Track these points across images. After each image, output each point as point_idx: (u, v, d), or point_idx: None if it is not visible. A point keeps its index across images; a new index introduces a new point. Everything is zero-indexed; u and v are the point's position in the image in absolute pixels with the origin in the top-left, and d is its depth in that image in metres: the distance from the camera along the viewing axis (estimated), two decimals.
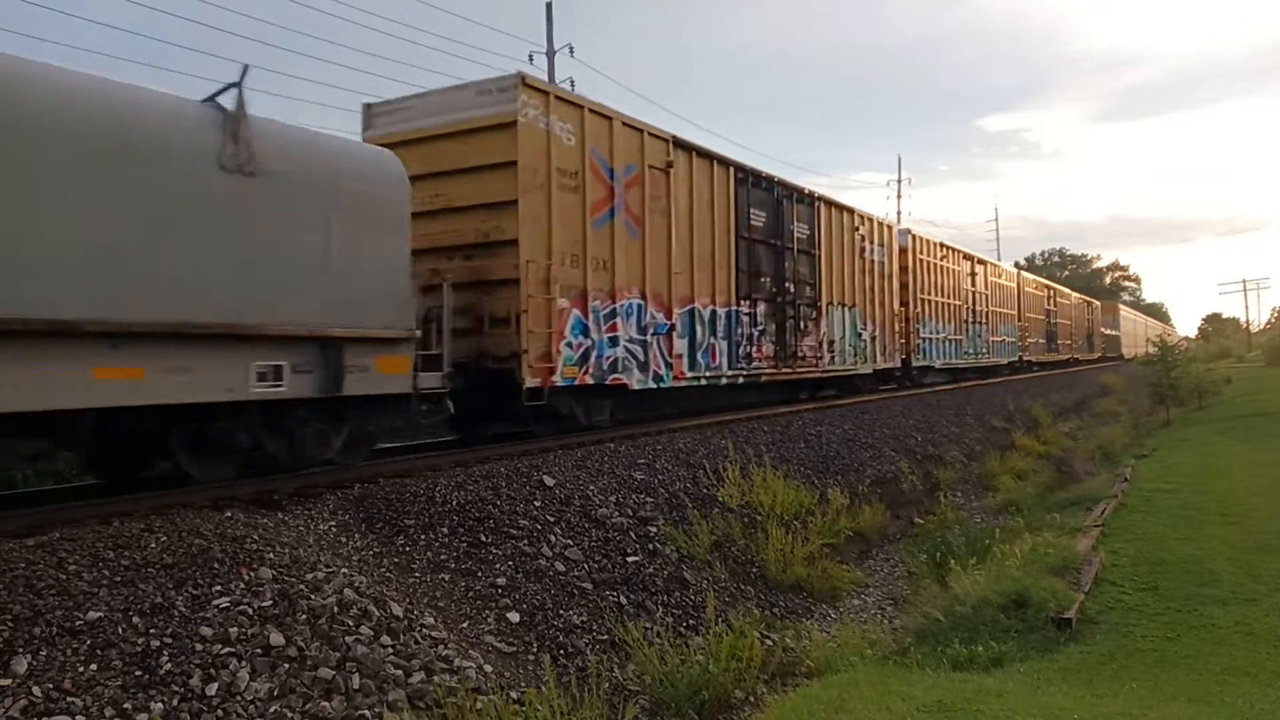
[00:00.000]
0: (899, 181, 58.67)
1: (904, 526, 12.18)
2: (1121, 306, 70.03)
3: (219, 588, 5.00)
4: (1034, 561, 8.53)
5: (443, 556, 6.62)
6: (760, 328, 14.55)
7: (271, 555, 5.48)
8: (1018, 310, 33.20)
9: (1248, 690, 5.76)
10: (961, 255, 26.75)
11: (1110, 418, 27.63)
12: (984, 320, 28.47)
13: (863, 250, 18.86)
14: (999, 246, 75.18)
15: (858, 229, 18.65)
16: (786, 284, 15.53)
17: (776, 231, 15.26)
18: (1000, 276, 31.20)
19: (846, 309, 18.12)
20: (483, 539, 6.95)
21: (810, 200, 16.79)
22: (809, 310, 16.45)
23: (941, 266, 24.38)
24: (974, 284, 27.65)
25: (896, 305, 20.76)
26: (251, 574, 5.20)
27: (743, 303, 14.04)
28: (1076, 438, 22.40)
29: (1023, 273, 35.40)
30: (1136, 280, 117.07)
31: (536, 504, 7.78)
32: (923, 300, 22.67)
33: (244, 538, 5.63)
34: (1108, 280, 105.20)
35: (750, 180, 14.59)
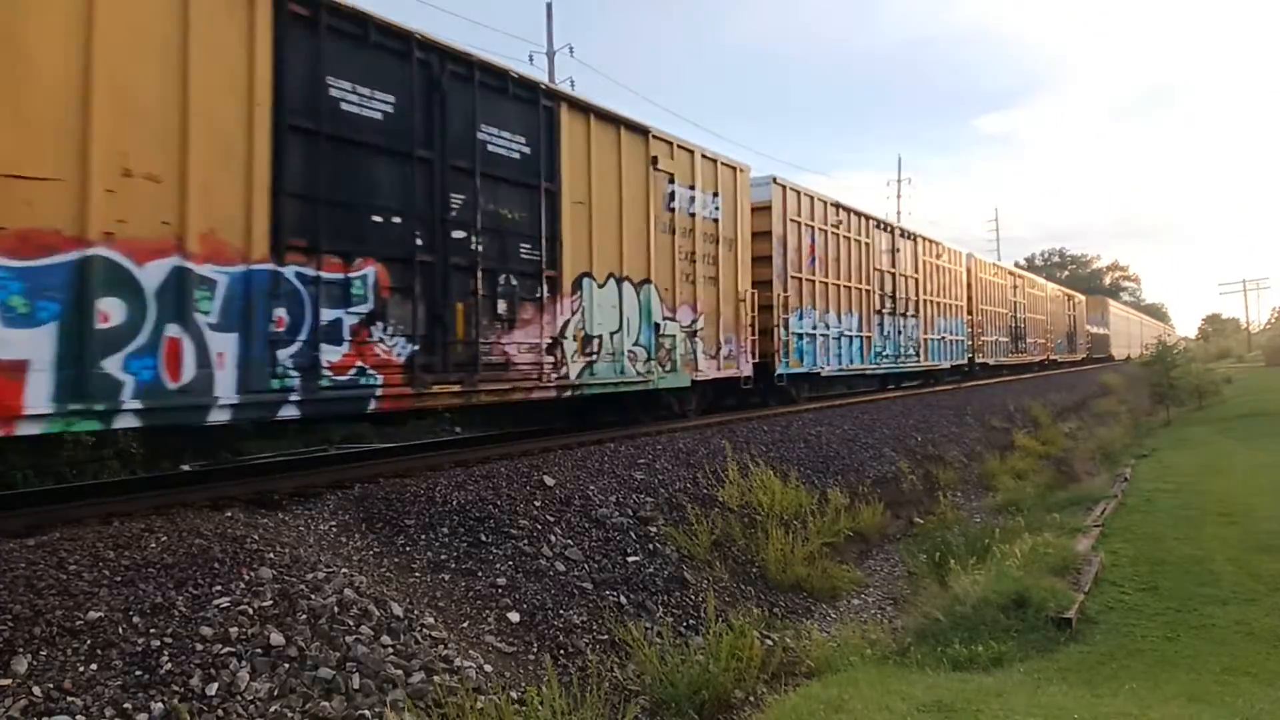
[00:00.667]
0: (899, 181, 58.55)
1: (904, 526, 12.18)
2: (1111, 302, 62.48)
3: (219, 588, 5.00)
4: (1034, 561, 8.54)
5: (443, 556, 6.62)
6: (366, 309, 7.68)
7: (272, 555, 5.49)
8: (967, 301, 26.47)
9: (1248, 690, 5.76)
10: (873, 223, 19.50)
11: (1110, 418, 27.65)
12: (911, 312, 21.57)
13: (672, 198, 12.10)
14: (999, 246, 74.88)
15: (655, 161, 11.70)
16: (460, 235, 8.65)
17: (427, 135, 8.30)
18: (941, 257, 24.08)
19: (631, 286, 11.28)
20: (483, 539, 6.96)
21: (534, 95, 9.68)
22: (527, 283, 9.49)
23: (835, 235, 17.57)
24: (895, 264, 20.64)
25: (745, 286, 13.87)
26: (252, 574, 5.21)
27: (302, 258, 7.14)
28: (1076, 438, 22.40)
29: (975, 256, 28.32)
30: (1136, 280, 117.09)
31: (537, 504, 7.79)
32: (798, 281, 15.89)
33: (244, 538, 5.63)
34: (1107, 280, 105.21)
35: (333, 23, 7.53)
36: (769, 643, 7.16)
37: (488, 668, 5.44)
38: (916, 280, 22.00)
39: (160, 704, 4.14)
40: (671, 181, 12.20)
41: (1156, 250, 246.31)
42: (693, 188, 12.70)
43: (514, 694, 5.28)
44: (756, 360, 14.25)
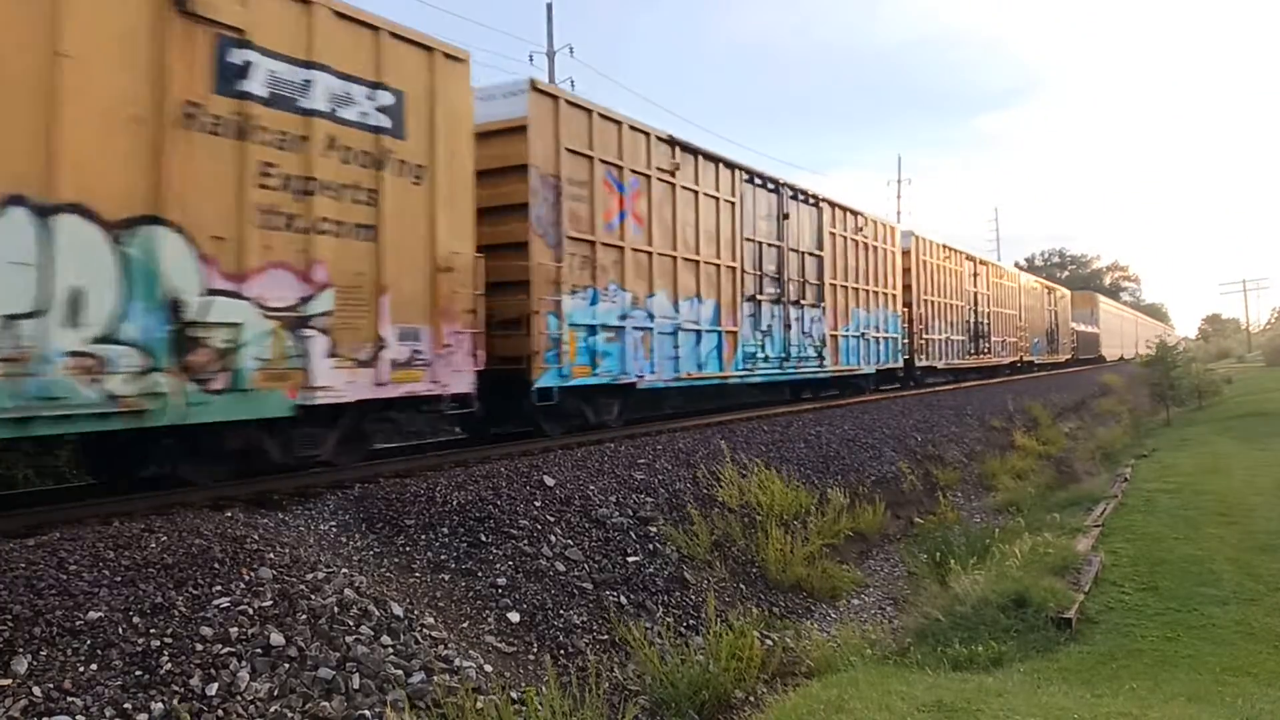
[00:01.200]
0: (899, 181, 58.42)
1: (904, 526, 12.19)
2: (1102, 298, 56.73)
3: (219, 588, 5.00)
4: (1034, 561, 8.55)
5: (443, 556, 6.63)
6: None
7: (272, 555, 5.49)
8: (903, 289, 21.22)
9: (1248, 690, 5.77)
10: (742, 176, 14.10)
11: (1110, 417, 27.64)
12: (811, 300, 16.35)
13: (241, 75, 6.74)
14: (999, 246, 74.57)
15: (184, 2, 6.31)
16: None
17: None
18: (862, 230, 18.73)
19: (92, 225, 5.77)
20: (483, 539, 6.96)
21: None
22: None
23: (669, 185, 12.16)
24: (783, 235, 15.39)
25: (458, 247, 8.68)
26: (252, 574, 5.21)
27: None
28: (1076, 438, 22.41)
29: (918, 235, 22.82)
30: (1136, 280, 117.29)
31: (537, 504, 7.79)
32: (588, 245, 10.67)
33: (244, 538, 5.63)
34: (1107, 280, 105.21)
35: None
36: (769, 643, 7.16)
37: (488, 668, 5.45)
38: (820, 259, 16.78)
39: (160, 704, 4.14)
40: (240, 44, 6.71)
41: (1156, 250, 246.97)
42: (309, 65, 7.23)
43: (514, 694, 5.28)
44: (482, 367, 8.86)
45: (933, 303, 23.36)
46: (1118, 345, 57.56)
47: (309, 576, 5.40)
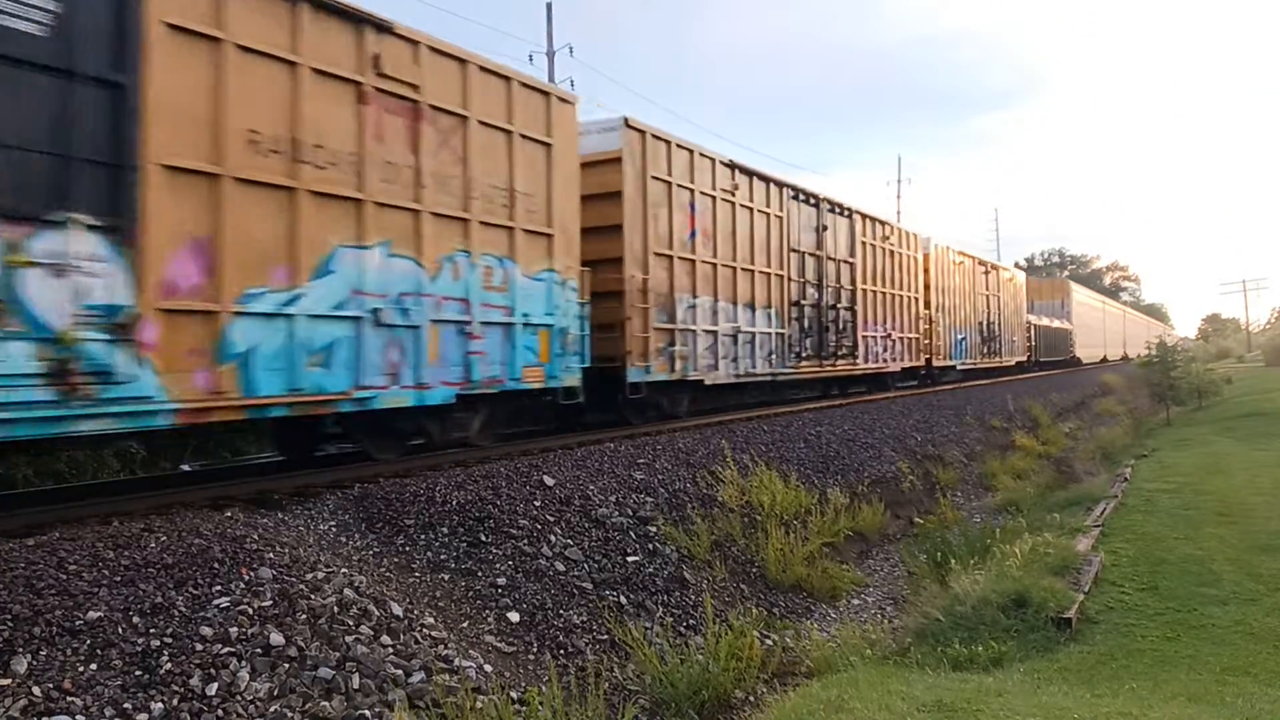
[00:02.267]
0: (899, 181, 58.30)
1: (904, 526, 12.18)
2: (1077, 288, 45.75)
3: (219, 588, 5.00)
4: (1034, 561, 8.53)
5: (443, 556, 6.62)
6: None
7: (271, 555, 5.49)
8: (573, 232, 10.25)
9: (1248, 690, 5.76)
10: None
11: (1110, 417, 27.64)
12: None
13: None
14: (999, 246, 74.40)
15: None
16: None
17: None
18: (385, 69, 7.59)
19: None
20: (483, 539, 6.96)
21: None
22: None
23: None
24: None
25: None
26: (251, 574, 5.21)
27: None
28: (1076, 438, 22.40)
29: (649, 130, 11.76)
30: (1136, 280, 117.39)
31: (536, 504, 7.78)
32: None
33: (244, 537, 5.63)
34: (1107, 280, 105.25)
35: None
36: (769, 643, 7.16)
37: (488, 668, 5.45)
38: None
39: (160, 704, 4.14)
40: None
41: (1156, 250, 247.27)
42: None
43: (514, 694, 5.28)
44: None
45: (685, 263, 12.64)
46: (1099, 344, 47.61)
47: (309, 576, 5.40)
